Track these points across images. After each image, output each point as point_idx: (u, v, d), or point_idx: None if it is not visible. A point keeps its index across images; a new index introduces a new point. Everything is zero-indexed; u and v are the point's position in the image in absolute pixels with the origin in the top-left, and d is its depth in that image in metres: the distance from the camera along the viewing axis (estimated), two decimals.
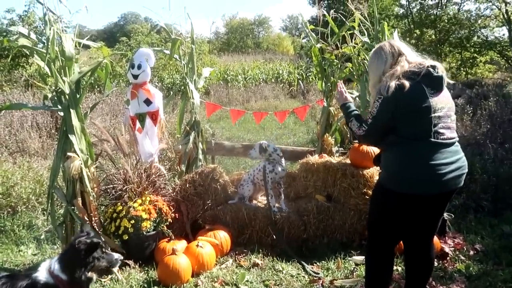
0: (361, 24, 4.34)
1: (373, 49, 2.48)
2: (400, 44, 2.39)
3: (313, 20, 19.79)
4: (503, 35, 17.26)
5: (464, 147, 5.46)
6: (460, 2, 19.67)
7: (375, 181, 2.93)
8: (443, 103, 2.25)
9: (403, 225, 2.39)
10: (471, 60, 18.32)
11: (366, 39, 4.23)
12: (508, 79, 15.59)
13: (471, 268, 3.19)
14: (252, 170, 3.98)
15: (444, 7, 19.71)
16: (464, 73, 18.57)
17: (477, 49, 17.89)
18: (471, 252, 3.48)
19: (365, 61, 4.20)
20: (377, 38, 4.18)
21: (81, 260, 2.20)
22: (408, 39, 18.73)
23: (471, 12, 18.71)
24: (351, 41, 4.39)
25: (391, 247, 2.50)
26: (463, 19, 18.37)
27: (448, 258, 3.38)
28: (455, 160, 2.24)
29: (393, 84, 2.18)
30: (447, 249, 3.46)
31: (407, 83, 2.17)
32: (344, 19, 4.40)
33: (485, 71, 18.88)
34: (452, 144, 2.25)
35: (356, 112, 2.54)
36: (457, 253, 3.47)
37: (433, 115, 2.19)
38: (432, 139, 2.19)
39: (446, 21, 18.33)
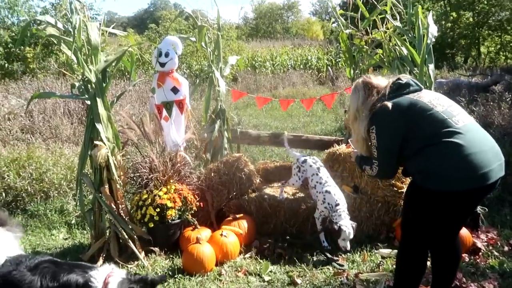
0: (393, 8, 4.15)
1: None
2: (372, 78, 2.44)
3: (344, 4, 19.27)
4: None
5: (502, 136, 5.31)
6: None
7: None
8: (432, 96, 2.28)
9: (442, 223, 2.28)
10: (511, 44, 17.39)
11: (398, 23, 4.04)
12: None
13: (505, 265, 3.05)
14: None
15: None
16: (504, 57, 17.67)
17: None
18: (506, 248, 3.33)
19: (397, 47, 4.02)
20: (411, 23, 3.99)
21: None
22: (443, 22, 17.97)
23: None
24: (382, 26, 4.21)
25: (427, 247, 2.39)
26: (504, 0, 17.40)
27: (480, 253, 3.25)
28: (488, 148, 2.12)
29: (381, 108, 2.24)
30: (479, 244, 3.32)
31: (389, 103, 2.24)
32: (376, 3, 4.22)
33: None
34: (475, 127, 2.17)
35: (363, 156, 2.53)
36: (490, 248, 3.33)
37: (434, 108, 2.17)
38: (452, 131, 2.09)
39: (485, 2, 17.40)
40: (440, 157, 2.09)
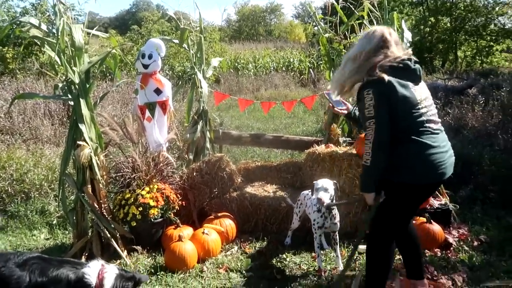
0: (370, 14, 4.30)
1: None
2: (392, 39, 2.34)
3: (324, 8, 19.51)
4: None
5: (475, 137, 5.52)
6: None
7: None
8: (425, 94, 2.34)
9: (406, 213, 2.47)
10: (487, 49, 17.94)
11: None
12: None
13: (474, 259, 3.21)
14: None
15: None
16: (480, 62, 18.21)
17: (494, 37, 17.52)
18: (475, 243, 3.48)
19: None
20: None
21: None
22: (422, 27, 18.43)
23: None
24: (360, 31, 4.36)
25: (393, 239, 2.54)
26: (480, 6, 17.95)
27: (451, 248, 3.40)
28: (448, 148, 2.36)
29: (378, 78, 2.20)
30: (451, 240, 3.47)
31: (386, 77, 2.19)
32: (353, 9, 4.36)
33: (501, 60, 18.46)
34: (441, 132, 2.36)
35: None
36: (461, 243, 3.48)
37: (420, 106, 2.26)
38: (426, 131, 2.26)
39: (462, 8, 17.92)
40: (410, 155, 2.25)
